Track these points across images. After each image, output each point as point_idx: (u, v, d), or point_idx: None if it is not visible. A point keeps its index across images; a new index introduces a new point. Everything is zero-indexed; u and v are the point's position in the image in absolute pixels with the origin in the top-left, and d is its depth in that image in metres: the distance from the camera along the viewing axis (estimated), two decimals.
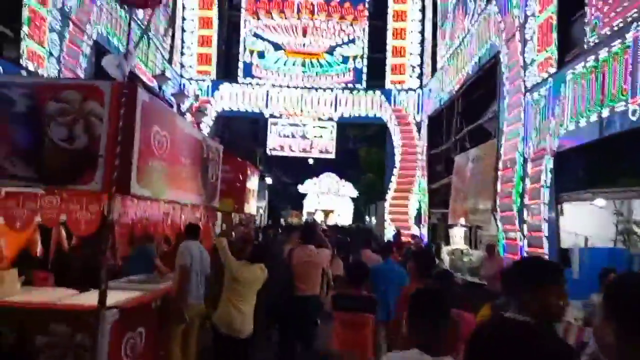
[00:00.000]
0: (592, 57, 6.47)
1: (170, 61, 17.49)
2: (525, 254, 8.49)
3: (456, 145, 14.42)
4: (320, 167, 28.31)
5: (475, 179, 11.70)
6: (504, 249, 9.56)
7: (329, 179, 30.73)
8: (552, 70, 7.93)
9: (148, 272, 5.92)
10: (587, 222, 7.53)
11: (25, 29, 7.61)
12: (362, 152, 19.19)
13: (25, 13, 7.64)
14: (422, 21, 19.01)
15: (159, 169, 4.05)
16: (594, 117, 6.46)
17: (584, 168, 7.34)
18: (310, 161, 26.64)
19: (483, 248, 10.63)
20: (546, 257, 7.87)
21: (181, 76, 18.70)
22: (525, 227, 8.65)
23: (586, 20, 6.78)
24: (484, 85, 12.06)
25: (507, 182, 9.81)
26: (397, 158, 18.52)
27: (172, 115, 4.76)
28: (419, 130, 18.48)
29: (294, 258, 5.39)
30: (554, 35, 7.96)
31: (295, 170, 28.72)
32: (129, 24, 6.16)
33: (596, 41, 6.54)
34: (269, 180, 26.37)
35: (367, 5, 19.65)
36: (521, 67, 9.27)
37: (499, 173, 10.18)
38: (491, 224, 10.69)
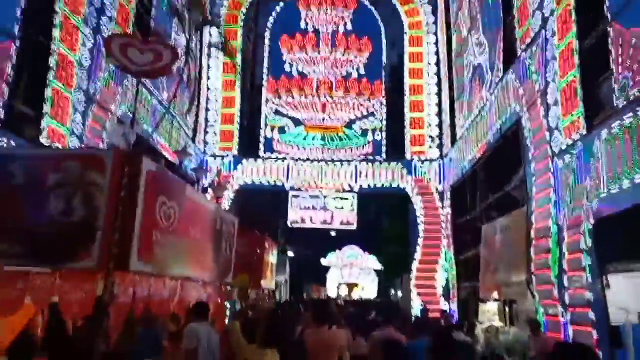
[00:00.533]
0: (626, 117, 6.16)
1: (194, 139, 17.91)
2: (570, 334, 7.67)
3: (482, 214, 13.89)
4: (343, 240, 27.75)
5: (506, 250, 11.04)
6: (545, 326, 8.69)
7: (351, 251, 29.98)
8: (581, 133, 7.61)
9: (157, 354, 5.43)
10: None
11: (47, 108, 7.78)
12: (384, 223, 18.74)
13: (49, 93, 7.86)
14: (439, 94, 19.27)
15: (165, 242, 3.76)
16: (633, 180, 6.01)
17: (627, 235, 6.74)
18: (333, 233, 26.20)
19: (521, 325, 9.74)
20: (594, 336, 7.08)
21: (204, 153, 19.05)
22: (567, 301, 7.89)
23: (614, 81, 6.55)
24: (507, 153, 11.74)
25: (542, 252, 9.15)
26: (421, 228, 17.95)
27: (182, 186, 4.54)
28: (442, 200, 18.04)
29: (307, 341, 4.86)
30: (579, 98, 7.73)
31: (318, 243, 28.16)
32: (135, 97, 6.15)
33: (626, 102, 6.26)
34: (290, 254, 25.82)
35: (384, 81, 20.13)
36: (546, 131, 8.99)
37: (533, 243, 9.55)
38: (527, 298, 9.87)
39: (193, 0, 11.69)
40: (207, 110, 19.53)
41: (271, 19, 20.93)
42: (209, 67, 19.91)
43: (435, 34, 20.02)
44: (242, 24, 20.46)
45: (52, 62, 8.21)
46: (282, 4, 21.01)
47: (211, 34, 18.78)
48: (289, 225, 18.57)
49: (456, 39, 16.86)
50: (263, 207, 18.56)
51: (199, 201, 4.88)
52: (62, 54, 8.51)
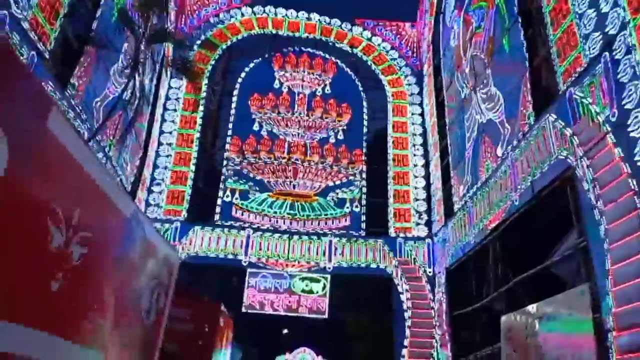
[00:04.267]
0: None
1: (133, 197, 14.46)
2: None
3: (496, 302, 10.97)
4: (301, 336, 23.35)
5: (557, 346, 8.00)
6: None
7: (303, 355, 25.12)
8: None
9: None
10: None
11: None
12: (362, 312, 15.30)
13: None
14: (426, 166, 17.20)
15: None
16: None
17: None
18: (285, 330, 22.02)
19: None
20: None
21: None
22: None
23: None
24: (542, 217, 9.25)
25: (629, 349, 6.24)
26: (407, 322, 14.62)
27: None
28: (432, 287, 15.03)
29: None
30: None
31: (271, 339, 23.58)
32: None
33: None
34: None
35: (364, 149, 17.94)
36: (629, 177, 6.56)
37: (612, 335, 6.63)
38: None
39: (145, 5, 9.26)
40: (155, 166, 16.32)
41: (241, 76, 18.81)
42: (163, 119, 17.11)
43: (421, 104, 18.51)
44: (206, 80, 18.19)
45: None
46: (254, 61, 19.10)
47: (168, 74, 16.23)
48: (244, 310, 14.73)
49: (455, 100, 15.11)
50: (212, 287, 14.79)
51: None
52: None
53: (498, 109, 11.41)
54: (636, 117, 6.51)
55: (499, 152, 11.13)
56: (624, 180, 6.66)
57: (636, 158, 6.45)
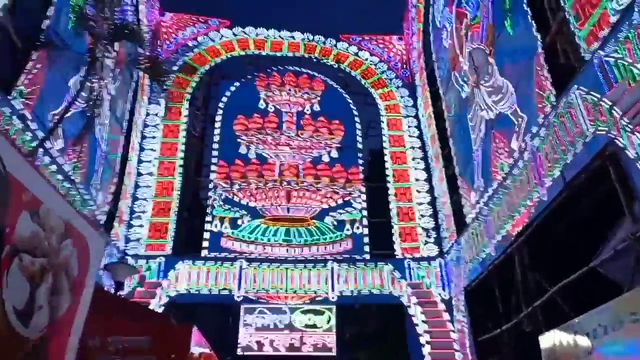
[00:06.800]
0: None
1: (108, 231, 12.92)
2: None
3: (528, 319, 9.40)
4: None
5: None
6: None
7: None
8: None
9: None
10: None
11: None
12: (373, 346, 13.51)
13: None
14: (429, 180, 15.89)
15: None
16: None
17: None
18: None
19: None
20: None
21: (125, 253, 13.86)
22: None
23: None
24: (579, 210, 7.85)
25: None
26: (426, 350, 12.86)
27: None
28: (450, 312, 13.37)
29: None
30: None
31: None
32: None
33: None
34: None
35: (361, 166, 16.64)
36: None
37: None
38: None
39: None
40: (135, 198, 14.87)
41: (224, 99, 17.69)
42: (141, 147, 15.81)
43: (416, 116, 17.41)
44: (186, 104, 17.07)
45: None
46: (237, 83, 18.04)
47: (145, 100, 15.04)
48: (239, 353, 12.87)
49: (455, 103, 13.97)
50: (203, 327, 12.99)
51: None
52: None
53: (508, 100, 10.23)
54: None
55: (514, 145, 9.85)
56: None
57: None
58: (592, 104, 7.18)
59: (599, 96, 6.99)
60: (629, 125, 6.31)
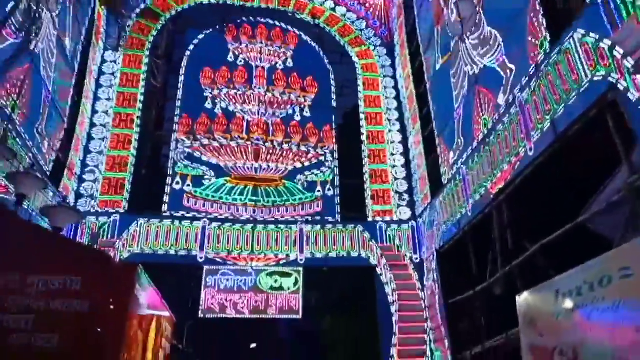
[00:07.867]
0: None
1: (56, 184, 11.75)
2: None
3: (504, 280, 9.06)
4: (268, 350, 20.57)
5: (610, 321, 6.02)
6: None
7: None
8: None
9: None
10: None
11: None
12: (341, 311, 13.08)
13: None
14: (404, 142, 15.33)
15: None
16: None
17: None
18: (253, 345, 19.45)
19: None
20: None
21: (77, 210, 12.71)
22: None
23: None
24: (570, 162, 7.38)
25: None
26: (395, 317, 12.53)
27: None
28: (421, 276, 13.04)
29: None
30: None
31: (232, 349, 20.59)
32: None
33: None
34: None
35: (334, 126, 15.87)
36: None
37: None
38: None
39: None
40: (88, 151, 13.64)
41: (190, 49, 16.40)
42: (96, 96, 14.48)
43: (394, 76, 16.69)
44: (147, 52, 15.71)
45: None
46: (204, 33, 16.75)
47: (100, 45, 13.65)
48: (200, 317, 12.18)
49: (437, 61, 13.30)
50: (162, 290, 12.21)
51: None
52: None
53: (496, 51, 9.61)
54: None
55: (501, 99, 9.29)
56: None
57: None
58: (592, 47, 6.62)
59: (599, 37, 6.42)
60: (635, 68, 5.78)
